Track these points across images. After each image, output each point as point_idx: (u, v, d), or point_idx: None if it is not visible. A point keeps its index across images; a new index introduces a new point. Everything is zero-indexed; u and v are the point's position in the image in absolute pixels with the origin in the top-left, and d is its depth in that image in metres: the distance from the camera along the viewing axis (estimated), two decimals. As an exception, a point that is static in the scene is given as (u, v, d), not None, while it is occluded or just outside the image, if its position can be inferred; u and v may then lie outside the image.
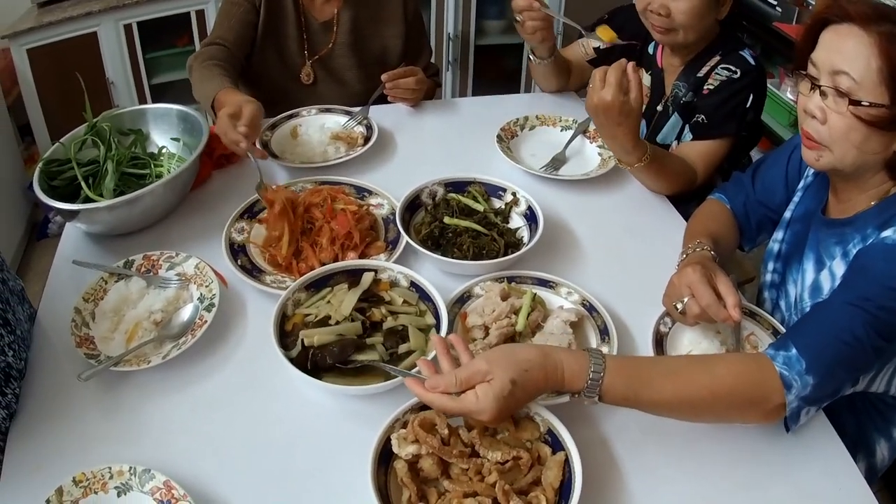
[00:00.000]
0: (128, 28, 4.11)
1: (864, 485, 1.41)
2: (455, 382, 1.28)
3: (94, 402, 1.56)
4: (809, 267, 1.68)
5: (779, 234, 1.85)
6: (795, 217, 1.79)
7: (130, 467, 1.36)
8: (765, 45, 4.41)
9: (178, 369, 1.61)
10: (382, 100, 2.61)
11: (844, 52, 1.43)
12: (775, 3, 4.14)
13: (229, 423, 1.52)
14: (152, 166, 2.06)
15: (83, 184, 1.92)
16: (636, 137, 1.99)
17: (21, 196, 4.14)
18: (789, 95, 4.08)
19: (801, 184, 1.81)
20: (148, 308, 1.71)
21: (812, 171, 1.78)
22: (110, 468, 1.37)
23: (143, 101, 4.30)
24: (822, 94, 1.47)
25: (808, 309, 1.63)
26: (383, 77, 2.53)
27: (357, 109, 2.49)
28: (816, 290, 1.64)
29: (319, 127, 2.42)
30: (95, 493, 1.35)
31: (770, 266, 1.87)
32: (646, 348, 1.62)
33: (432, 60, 2.99)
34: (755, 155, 4.11)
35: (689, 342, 1.65)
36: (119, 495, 1.36)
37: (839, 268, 1.58)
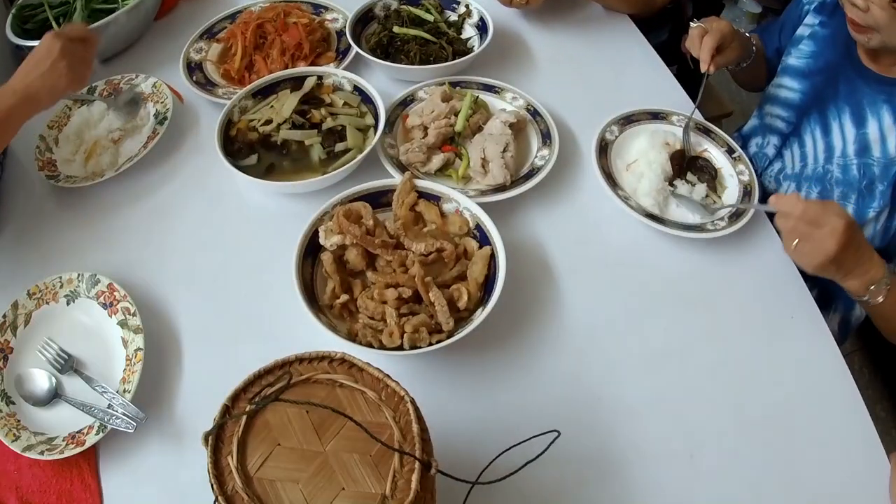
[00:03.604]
0: None
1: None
2: (812, 210, 1.26)
3: (51, 221, 1.60)
4: (847, 121, 1.61)
5: (790, 83, 1.76)
6: (814, 68, 1.71)
7: (79, 274, 1.41)
8: None
9: (131, 182, 1.64)
10: None
11: None
12: None
13: (175, 230, 1.56)
14: (120, 1, 2.02)
15: (52, 23, 1.93)
16: None
17: (9, 55, 4.07)
18: None
19: (807, 31, 1.74)
20: (107, 128, 1.74)
21: (819, 20, 1.71)
22: (60, 277, 1.42)
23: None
24: None
25: (850, 164, 1.58)
26: None
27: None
28: (865, 149, 1.56)
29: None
30: (47, 303, 1.41)
31: (777, 112, 1.80)
32: (590, 156, 1.60)
33: None
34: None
35: (637, 152, 1.62)
36: (68, 303, 1.41)
37: (893, 133, 1.52)
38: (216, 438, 0.92)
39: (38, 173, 1.63)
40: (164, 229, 1.56)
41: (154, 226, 1.57)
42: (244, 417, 0.92)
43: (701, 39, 1.64)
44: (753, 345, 1.37)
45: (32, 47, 1.79)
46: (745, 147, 1.84)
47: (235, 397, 0.95)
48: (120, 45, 2.00)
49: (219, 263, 1.49)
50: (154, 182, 1.65)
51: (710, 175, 1.61)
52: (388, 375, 0.96)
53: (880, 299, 1.32)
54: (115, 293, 1.38)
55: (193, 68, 1.86)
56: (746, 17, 4.03)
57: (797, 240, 1.28)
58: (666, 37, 2.32)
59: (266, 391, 0.94)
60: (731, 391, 1.31)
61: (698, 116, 1.70)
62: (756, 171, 1.65)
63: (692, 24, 1.67)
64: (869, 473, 1.21)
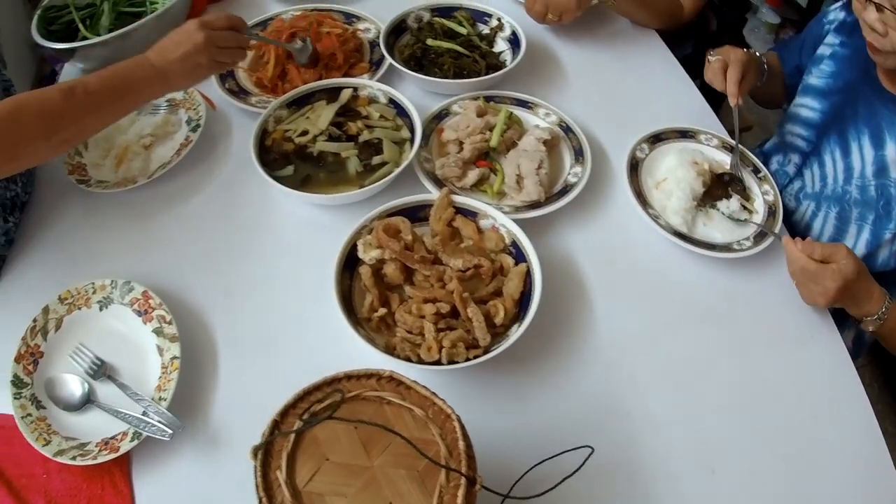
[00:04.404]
0: None
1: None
2: (818, 252, 1.39)
3: (82, 225, 1.60)
4: (866, 143, 1.61)
5: (811, 102, 1.77)
6: (834, 88, 1.72)
7: (112, 281, 1.41)
8: None
9: (163, 188, 1.65)
10: None
11: None
12: None
13: (209, 238, 1.57)
14: (148, 3, 2.03)
15: (80, 25, 1.92)
16: None
17: (28, 52, 4.08)
18: None
19: (828, 51, 1.75)
20: (138, 133, 1.73)
21: (839, 40, 1.72)
22: (93, 284, 1.42)
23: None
24: (878, 8, 1.40)
25: (868, 184, 1.59)
26: None
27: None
28: (883, 170, 1.57)
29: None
30: (79, 308, 1.40)
31: (798, 130, 1.80)
32: (621, 173, 1.62)
33: None
34: (765, 10, 4.03)
35: (667, 170, 1.64)
36: (101, 309, 1.41)
37: None
38: (265, 453, 0.93)
39: (67, 177, 1.63)
40: (197, 237, 1.57)
41: (187, 233, 1.58)
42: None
43: (723, 73, 1.67)
44: (774, 361, 1.40)
45: (58, 49, 1.82)
46: (766, 164, 1.85)
47: (285, 413, 0.96)
48: None
49: (254, 272, 1.50)
50: (186, 188, 1.66)
51: (742, 188, 1.64)
52: (434, 393, 0.97)
53: (871, 328, 1.42)
54: (150, 301, 1.38)
55: (225, 76, 1.86)
56: (765, 27, 4.04)
57: (796, 282, 1.44)
58: (691, 50, 2.34)
59: (315, 407, 0.96)
60: (752, 406, 1.33)
61: (729, 139, 1.73)
62: (777, 188, 1.66)
63: (709, 58, 1.70)
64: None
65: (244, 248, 1.55)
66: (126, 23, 1.93)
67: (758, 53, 1.80)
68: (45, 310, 1.39)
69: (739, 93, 1.66)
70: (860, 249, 1.60)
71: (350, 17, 2.03)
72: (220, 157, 1.73)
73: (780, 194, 1.65)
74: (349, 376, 0.99)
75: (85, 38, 1.90)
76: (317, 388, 0.98)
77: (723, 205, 1.59)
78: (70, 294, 1.41)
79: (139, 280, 1.42)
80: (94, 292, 1.41)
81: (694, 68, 2.11)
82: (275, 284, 1.48)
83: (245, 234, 1.57)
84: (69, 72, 2.03)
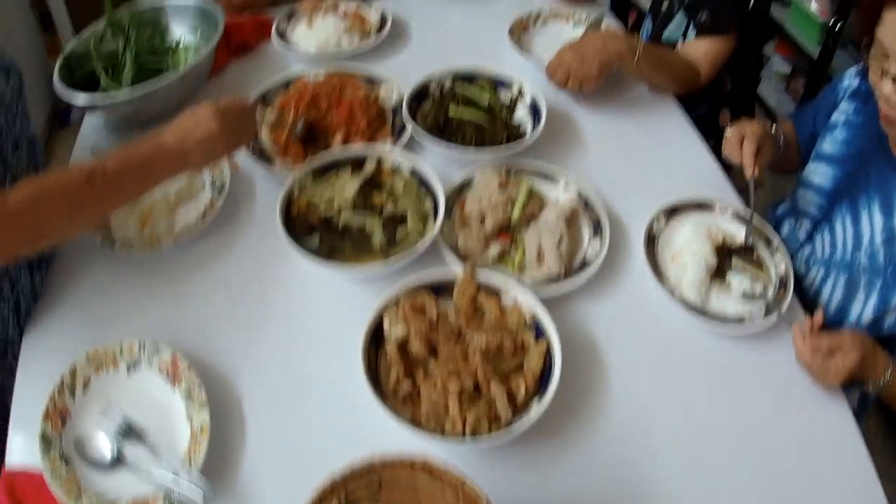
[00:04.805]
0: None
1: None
2: (825, 346, 1.45)
3: (108, 283, 1.64)
4: (876, 211, 1.64)
5: (824, 169, 1.80)
6: (847, 155, 1.75)
7: (140, 341, 1.45)
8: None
9: (189, 250, 1.69)
10: None
11: None
12: None
13: (235, 303, 1.61)
14: (170, 57, 2.10)
15: (102, 74, 1.97)
16: (622, 37, 2.03)
17: (45, 85, 4.09)
18: (813, 7, 3.84)
19: (841, 118, 1.78)
20: (162, 194, 1.76)
21: (853, 108, 1.75)
22: (121, 344, 1.45)
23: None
24: (895, 79, 1.43)
25: (877, 252, 1.62)
26: None
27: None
28: (892, 238, 1.60)
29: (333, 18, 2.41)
30: (107, 370, 1.44)
31: (810, 197, 1.83)
32: (638, 245, 1.67)
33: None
34: (775, 60, 4.07)
35: (682, 242, 1.68)
36: (129, 370, 1.45)
37: None
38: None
39: (92, 236, 1.66)
40: (223, 300, 1.61)
41: (213, 296, 1.62)
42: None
43: (740, 146, 1.72)
44: (786, 432, 1.43)
45: (80, 102, 1.86)
46: (778, 228, 1.89)
47: (322, 499, 1.01)
48: (172, 108, 2.00)
49: (281, 338, 1.54)
50: (211, 251, 1.70)
51: (756, 259, 1.69)
52: (465, 476, 1.02)
53: (870, 388, 1.48)
54: (179, 364, 1.42)
55: None
56: (776, 76, 4.08)
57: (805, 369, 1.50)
58: (705, 110, 2.38)
59: (353, 494, 1.00)
60: (763, 475, 1.37)
61: (746, 213, 1.76)
62: (789, 253, 1.71)
63: (727, 132, 1.76)
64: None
65: (270, 313, 1.59)
66: (148, 74, 1.98)
67: (773, 126, 1.85)
68: (73, 371, 1.41)
69: (756, 164, 1.70)
70: (867, 314, 1.62)
71: (372, 81, 2.08)
72: (244, 220, 1.77)
73: (791, 259, 1.70)
74: (384, 463, 1.03)
75: (106, 89, 1.95)
76: (354, 476, 1.02)
77: (736, 280, 1.63)
78: (98, 354, 1.44)
79: (165, 339, 1.46)
80: (121, 353, 1.44)
81: (708, 128, 2.18)
82: (301, 351, 1.52)
83: (271, 300, 1.61)
84: (89, 122, 2.08)
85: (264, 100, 2.02)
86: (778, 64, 4.09)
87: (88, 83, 1.98)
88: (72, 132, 2.18)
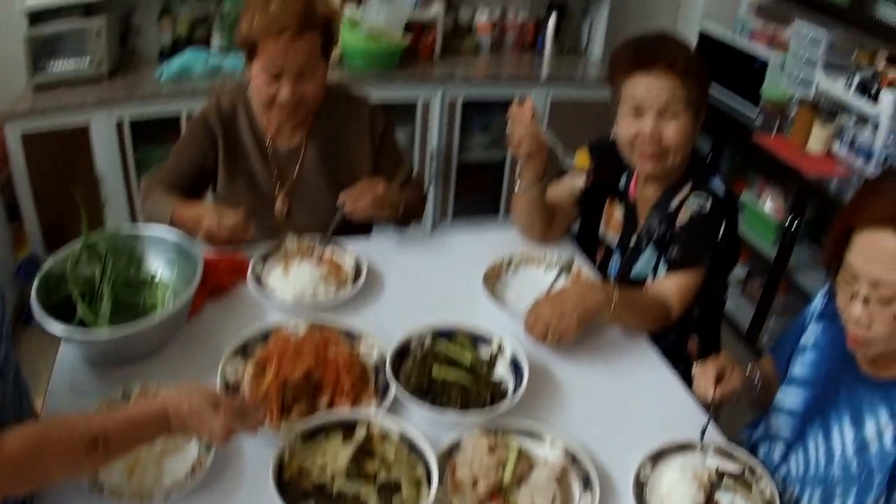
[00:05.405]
0: (119, 126, 4.14)
1: None
2: None
3: None
4: (846, 425, 1.69)
5: (795, 392, 1.86)
6: (817, 377, 1.81)
7: None
8: (745, 155, 4.44)
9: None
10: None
11: (884, 261, 1.45)
12: (755, 114, 4.23)
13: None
14: (147, 292, 2.13)
15: (79, 300, 1.99)
16: (599, 288, 2.14)
17: (9, 279, 4.11)
18: (768, 207, 4.06)
19: (810, 340, 1.86)
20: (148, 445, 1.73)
21: (821, 328, 1.84)
22: None
23: (131, 196, 4.32)
24: (865, 300, 1.51)
25: (850, 462, 1.66)
26: (340, 198, 2.53)
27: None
28: (863, 448, 1.64)
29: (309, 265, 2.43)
30: None
31: (781, 421, 1.88)
32: (627, 495, 1.69)
33: (416, 173, 3.02)
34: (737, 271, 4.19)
35: (669, 487, 1.71)
36: None
37: (889, 428, 1.60)
38: None
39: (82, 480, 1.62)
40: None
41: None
42: None
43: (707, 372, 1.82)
44: None
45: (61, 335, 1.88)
46: (754, 451, 1.93)
47: None
48: (150, 350, 2.04)
49: None
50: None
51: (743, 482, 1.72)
52: None
53: None
54: None
55: (230, 388, 1.90)
56: (732, 281, 4.16)
57: None
58: (673, 338, 2.44)
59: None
60: None
61: (716, 436, 1.83)
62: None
63: (694, 370, 1.87)
64: None
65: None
66: (124, 307, 2.01)
67: (750, 365, 1.93)
68: None
69: (716, 388, 1.78)
70: None
71: (350, 334, 2.09)
72: (234, 478, 1.73)
73: None
74: None
75: (84, 319, 1.97)
76: None
77: (726, 500, 1.68)
78: None
79: None
80: None
81: (675, 356, 2.27)
82: None
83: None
84: (65, 350, 2.05)
85: (244, 351, 2.02)
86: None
87: (64, 306, 1.98)
88: (36, 330, 2.12)
